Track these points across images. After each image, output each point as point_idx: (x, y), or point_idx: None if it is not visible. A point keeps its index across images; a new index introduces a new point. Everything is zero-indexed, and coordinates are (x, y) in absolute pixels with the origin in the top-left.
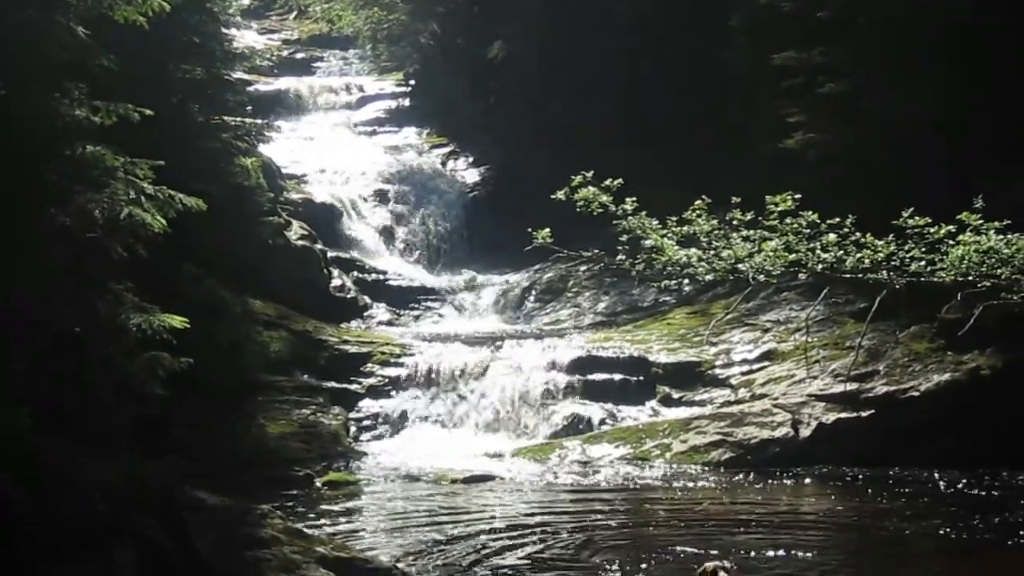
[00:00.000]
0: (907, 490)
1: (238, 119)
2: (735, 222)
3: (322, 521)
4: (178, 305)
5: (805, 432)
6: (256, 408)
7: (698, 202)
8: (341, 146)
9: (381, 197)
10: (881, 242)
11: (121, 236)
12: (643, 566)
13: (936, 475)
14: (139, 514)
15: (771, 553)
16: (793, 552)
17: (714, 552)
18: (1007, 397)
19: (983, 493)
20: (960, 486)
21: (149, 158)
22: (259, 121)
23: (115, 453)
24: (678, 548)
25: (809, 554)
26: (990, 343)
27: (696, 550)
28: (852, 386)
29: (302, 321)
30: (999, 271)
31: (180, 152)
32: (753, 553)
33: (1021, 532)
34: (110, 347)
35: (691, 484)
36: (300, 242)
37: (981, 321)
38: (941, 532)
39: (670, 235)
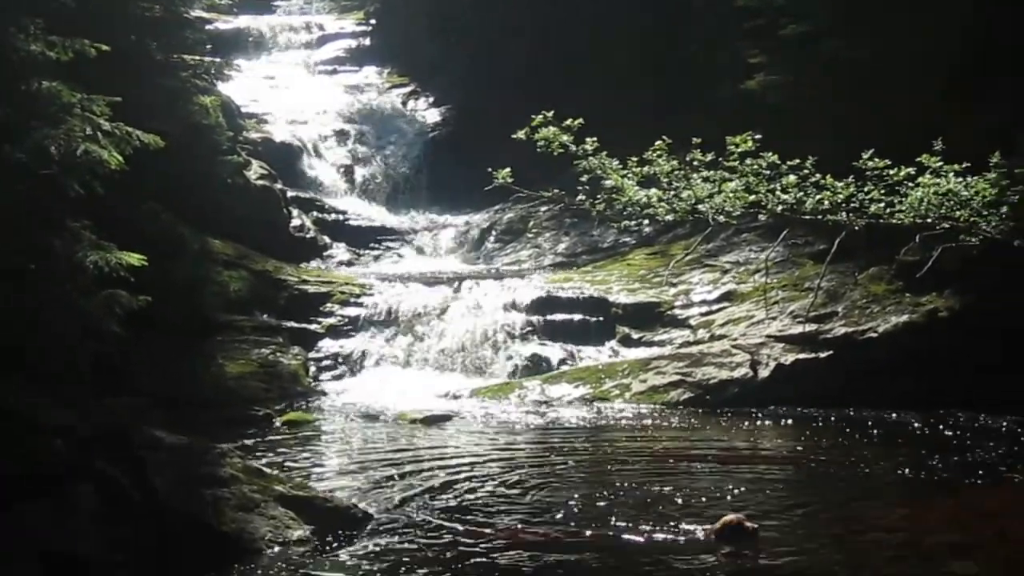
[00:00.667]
0: (866, 431)
1: (197, 57)
2: (695, 163)
3: (281, 460)
4: (136, 244)
5: (764, 373)
6: (215, 348)
7: (658, 142)
8: (301, 85)
9: (341, 137)
10: (841, 184)
11: (78, 173)
12: (601, 502)
13: (895, 416)
14: (97, 453)
15: (733, 488)
16: (755, 488)
17: (668, 488)
18: (965, 338)
19: (941, 433)
20: (919, 427)
21: (107, 96)
22: (218, 60)
23: (74, 392)
24: (636, 484)
25: (770, 490)
26: (948, 285)
27: (656, 486)
28: (811, 327)
29: (262, 261)
30: (958, 213)
31: (138, 90)
32: (714, 489)
33: (980, 472)
34: (67, 285)
35: (650, 423)
36: (260, 182)
37: (939, 263)
38: (900, 472)
39: (630, 175)
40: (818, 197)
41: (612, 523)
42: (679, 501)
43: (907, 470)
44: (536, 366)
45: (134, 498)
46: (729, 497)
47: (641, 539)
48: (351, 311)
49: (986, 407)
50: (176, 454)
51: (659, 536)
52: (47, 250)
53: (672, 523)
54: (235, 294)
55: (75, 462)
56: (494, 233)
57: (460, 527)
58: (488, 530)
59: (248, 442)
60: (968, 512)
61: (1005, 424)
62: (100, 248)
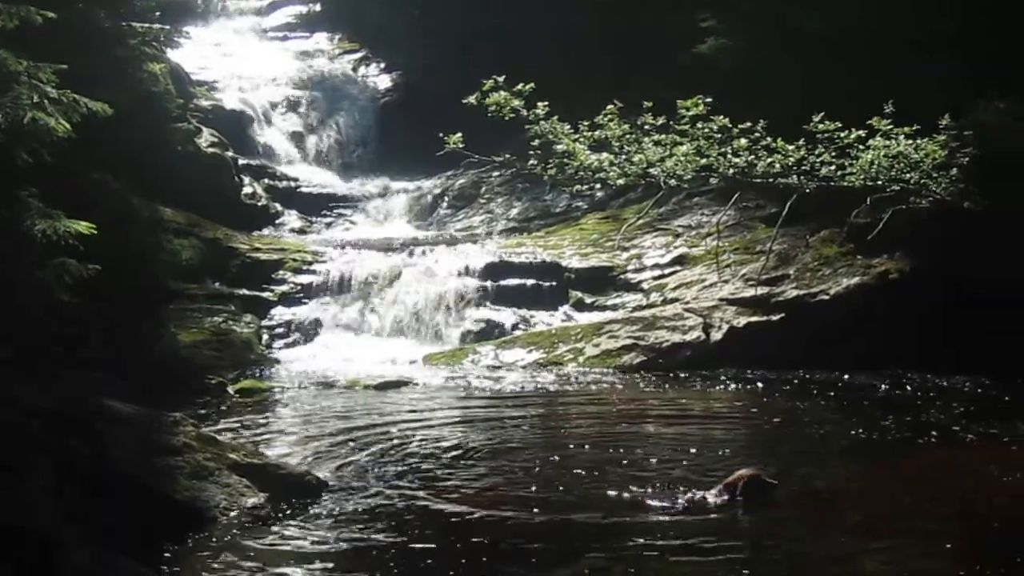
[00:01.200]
0: (820, 392)
1: (146, 25)
2: (647, 127)
3: (235, 428)
4: (86, 212)
5: (716, 336)
6: (168, 317)
7: (610, 107)
8: (251, 52)
9: (292, 104)
10: (792, 147)
11: (25, 141)
12: (556, 459)
13: (847, 377)
14: (54, 425)
15: (687, 448)
16: (709, 448)
17: (622, 449)
18: (915, 300)
19: (894, 394)
20: (871, 388)
21: (54, 64)
22: (167, 27)
23: (29, 364)
24: (590, 446)
25: (726, 450)
26: (898, 247)
27: (611, 448)
28: (763, 290)
29: (213, 229)
30: (908, 176)
31: (87, 58)
32: (667, 448)
33: (933, 432)
34: (21, 259)
35: (604, 387)
36: (210, 149)
37: (890, 225)
38: (855, 432)
39: (582, 140)
40: (769, 160)
41: (567, 485)
42: (633, 462)
43: (861, 430)
44: (489, 331)
45: (91, 470)
46: (685, 461)
47: (597, 498)
48: (303, 278)
49: (937, 368)
50: (131, 424)
51: (613, 494)
52: None
53: (628, 484)
54: (186, 262)
55: (32, 435)
56: (446, 199)
57: (414, 492)
58: (443, 495)
59: (201, 411)
60: (924, 471)
61: (956, 385)
62: (48, 216)
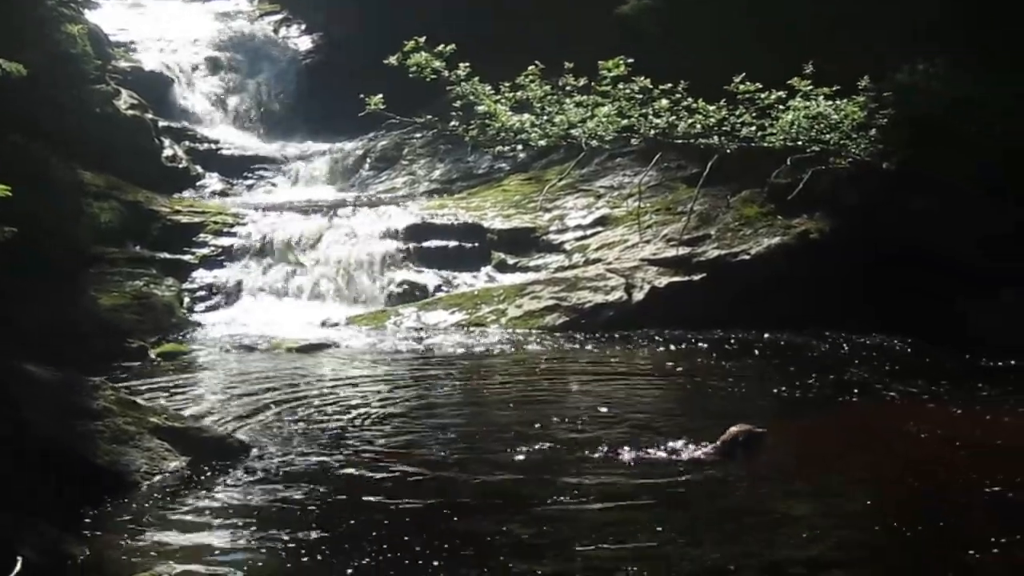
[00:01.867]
0: (741, 351)
1: None
2: (568, 88)
3: (156, 392)
4: (1, 175)
5: (638, 296)
6: (88, 280)
7: (531, 67)
8: (170, 13)
9: (213, 65)
10: (712, 107)
11: None
12: (479, 419)
13: (767, 336)
14: None
15: (607, 406)
16: (631, 403)
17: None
18: (835, 260)
19: (816, 353)
20: (793, 347)
21: None
22: None
23: None
24: (513, 403)
25: (647, 401)
26: (819, 207)
27: (531, 406)
28: (684, 250)
29: (133, 191)
30: (827, 136)
31: (2, 19)
32: (587, 401)
33: (854, 389)
34: None
35: (527, 347)
36: (130, 111)
37: (810, 186)
38: (777, 390)
39: (503, 101)
40: (690, 121)
41: (489, 445)
42: (552, 422)
43: (783, 388)
44: (412, 293)
45: (6, 434)
46: (601, 412)
47: (520, 456)
48: (225, 241)
49: (858, 327)
50: (49, 388)
51: (535, 452)
52: None
53: (547, 442)
54: (106, 225)
55: None
56: (368, 161)
57: (337, 453)
58: (365, 456)
59: (122, 375)
60: (847, 429)
61: (877, 344)
62: None
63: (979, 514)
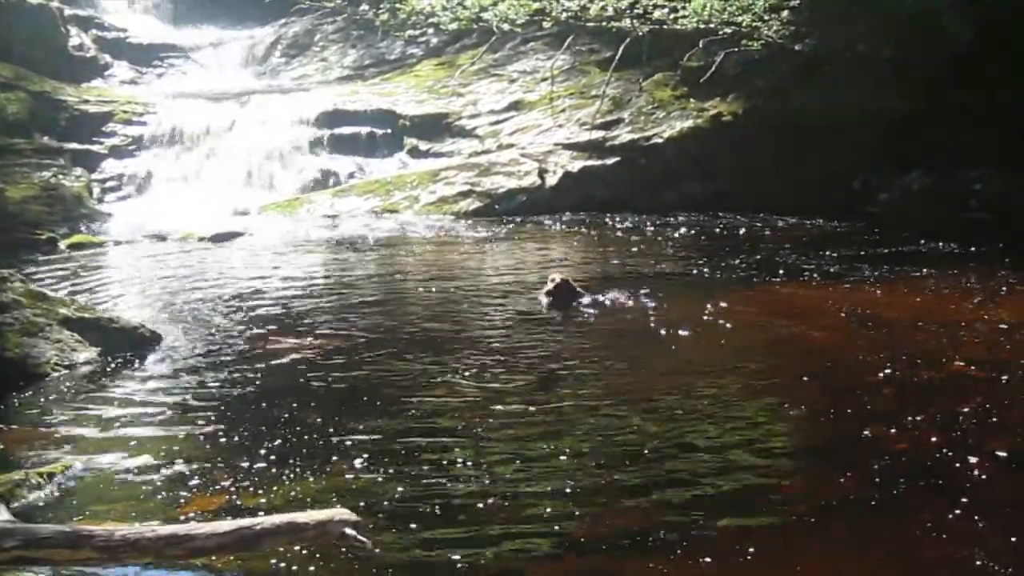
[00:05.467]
0: (656, 234)
1: None
2: None
3: (66, 283)
4: None
5: (552, 180)
6: None
7: None
8: None
9: None
10: None
11: None
12: (395, 300)
13: (680, 219)
14: None
15: (520, 286)
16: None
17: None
18: (747, 142)
19: (731, 236)
20: (709, 230)
21: None
22: None
23: None
24: (428, 291)
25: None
26: (731, 90)
27: (447, 290)
28: (597, 134)
29: (40, 82)
30: (740, 19)
31: None
32: (501, 280)
33: (765, 271)
34: None
35: (440, 234)
36: (34, 0)
37: (722, 68)
38: (695, 272)
39: None
40: (602, 4)
41: (407, 320)
42: (467, 294)
43: (704, 270)
44: (325, 180)
45: None
46: (515, 290)
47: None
48: (134, 130)
49: (771, 208)
50: None
51: (453, 318)
52: None
53: (467, 307)
54: (13, 116)
55: None
56: (280, 48)
57: (250, 341)
58: (279, 342)
59: (31, 267)
60: (769, 309)
61: (792, 224)
62: None
63: (873, 392)
